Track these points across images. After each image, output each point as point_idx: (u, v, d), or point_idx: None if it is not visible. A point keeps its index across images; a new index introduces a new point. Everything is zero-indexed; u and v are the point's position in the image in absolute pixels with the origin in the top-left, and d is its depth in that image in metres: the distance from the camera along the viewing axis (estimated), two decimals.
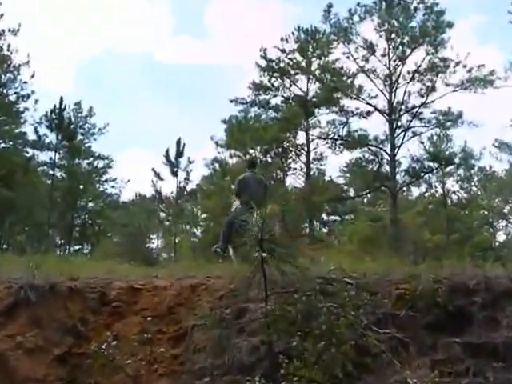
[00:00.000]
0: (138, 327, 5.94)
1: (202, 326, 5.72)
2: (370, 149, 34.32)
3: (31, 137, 36.07)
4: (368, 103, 33.65)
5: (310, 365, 2.94)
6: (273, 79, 35.44)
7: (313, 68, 35.25)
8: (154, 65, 64.91)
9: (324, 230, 49.10)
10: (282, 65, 35.10)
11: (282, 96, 36.01)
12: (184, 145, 40.19)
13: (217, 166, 40.12)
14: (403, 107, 33.04)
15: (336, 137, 34.63)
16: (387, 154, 33.25)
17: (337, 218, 49.46)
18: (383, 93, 33.15)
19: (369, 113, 34.02)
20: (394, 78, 33.07)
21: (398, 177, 34.21)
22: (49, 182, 37.40)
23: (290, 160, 37.13)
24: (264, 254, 3.54)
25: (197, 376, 5.27)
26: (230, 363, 5.14)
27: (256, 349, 5.12)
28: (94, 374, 5.40)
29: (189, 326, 5.87)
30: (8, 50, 30.65)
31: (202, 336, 5.61)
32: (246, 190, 9.06)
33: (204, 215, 44.10)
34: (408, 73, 32.79)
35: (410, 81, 32.73)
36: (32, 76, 31.33)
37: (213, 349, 5.40)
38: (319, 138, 35.34)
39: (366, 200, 45.69)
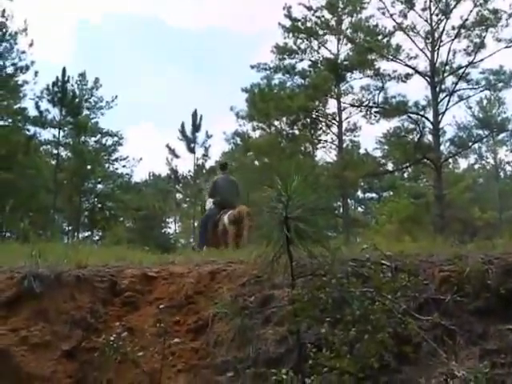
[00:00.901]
0: (153, 318, 5.99)
1: (223, 316, 5.77)
2: (409, 116, 34.01)
3: (32, 113, 36.37)
4: (407, 65, 33.29)
5: (341, 354, 2.93)
6: (299, 41, 35.29)
7: (343, 27, 35.01)
8: (165, 30, 64.95)
9: (360, 209, 49.08)
10: (308, 24, 34.90)
11: (310, 60, 35.87)
12: (201, 118, 40.37)
13: (238, 140, 40.24)
14: (447, 68, 32.67)
15: (371, 104, 34.42)
16: (429, 121, 32.94)
17: (374, 195, 49.46)
18: (424, 52, 32.77)
19: (408, 76, 33.65)
20: (436, 35, 32.65)
21: (442, 147, 33.96)
22: (53, 162, 37.78)
23: (319, 131, 37.11)
24: (289, 234, 3.53)
25: (219, 371, 5.32)
26: (254, 356, 5.18)
27: (284, 339, 5.15)
28: (106, 370, 5.48)
29: (209, 316, 5.91)
30: (3, 16, 30.85)
31: (224, 327, 5.66)
32: (218, 192, 10.74)
33: None
34: (453, 28, 32.35)
35: (455, 37, 32.29)
36: (30, 45, 31.53)
37: (236, 341, 5.44)
38: (352, 105, 35.17)
39: (406, 174, 45.39)
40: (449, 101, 32.62)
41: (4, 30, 30.93)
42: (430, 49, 32.60)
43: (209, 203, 10.94)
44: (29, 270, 6.31)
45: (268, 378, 4.24)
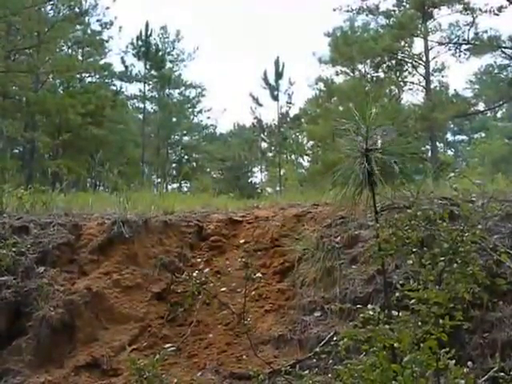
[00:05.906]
0: (240, 262, 6.06)
1: (309, 257, 5.77)
2: (503, 51, 32.26)
3: (118, 68, 37.08)
4: None
5: (428, 286, 2.84)
6: None
7: None
8: None
9: (449, 152, 47.69)
10: None
11: None
12: (283, 65, 39.87)
13: (321, 85, 39.62)
14: None
15: (460, 41, 32.83)
16: None
17: (464, 137, 47.77)
18: None
19: (501, 8, 31.78)
20: None
21: None
22: (140, 116, 38.53)
23: (405, 73, 35.88)
24: (370, 167, 3.41)
25: (306, 311, 5.35)
26: (342, 296, 5.16)
27: (372, 279, 5.10)
28: (196, 311, 5.61)
29: (295, 258, 5.93)
30: None
31: (310, 268, 5.66)
32: None
33: (310, 142, 44.01)
34: None
35: None
36: (114, 0, 31.80)
37: (322, 281, 5.43)
38: (440, 44, 33.63)
39: (499, 114, 43.54)
40: None
41: None
42: None
43: None
44: (118, 216, 6.51)
45: (354, 317, 4.19)
